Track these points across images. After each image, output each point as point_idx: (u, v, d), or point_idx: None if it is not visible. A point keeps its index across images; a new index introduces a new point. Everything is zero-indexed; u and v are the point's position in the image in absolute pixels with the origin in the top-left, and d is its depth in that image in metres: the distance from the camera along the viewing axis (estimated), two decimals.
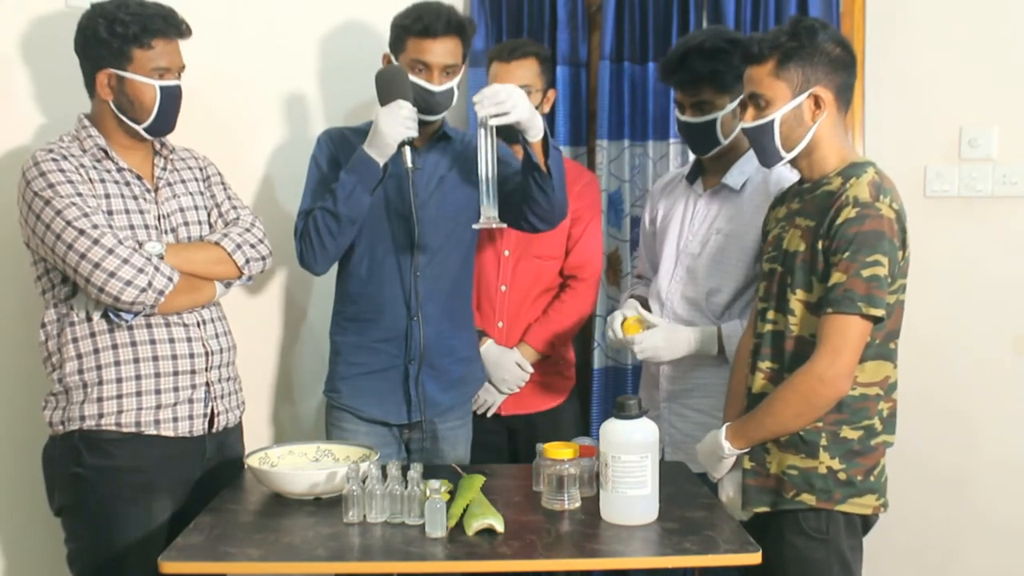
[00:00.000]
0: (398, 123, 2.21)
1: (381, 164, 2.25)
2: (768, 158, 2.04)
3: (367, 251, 2.40)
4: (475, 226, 2.22)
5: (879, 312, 1.86)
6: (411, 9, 2.35)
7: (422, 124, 2.30)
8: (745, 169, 2.34)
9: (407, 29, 2.31)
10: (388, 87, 2.26)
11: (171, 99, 2.11)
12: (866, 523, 2.00)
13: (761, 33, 2.09)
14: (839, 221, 1.88)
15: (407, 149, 2.24)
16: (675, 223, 2.44)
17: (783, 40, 1.95)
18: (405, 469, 1.90)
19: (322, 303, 2.77)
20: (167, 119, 2.13)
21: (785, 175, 2.26)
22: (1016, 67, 2.73)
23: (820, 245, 1.92)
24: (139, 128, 2.11)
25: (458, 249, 2.45)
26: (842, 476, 1.93)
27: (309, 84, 2.81)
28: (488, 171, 2.15)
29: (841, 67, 1.97)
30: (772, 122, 1.97)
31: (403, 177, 2.29)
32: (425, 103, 2.31)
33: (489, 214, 2.18)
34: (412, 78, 2.29)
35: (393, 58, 2.37)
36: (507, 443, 2.73)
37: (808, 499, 1.94)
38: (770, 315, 2.03)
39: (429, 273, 2.39)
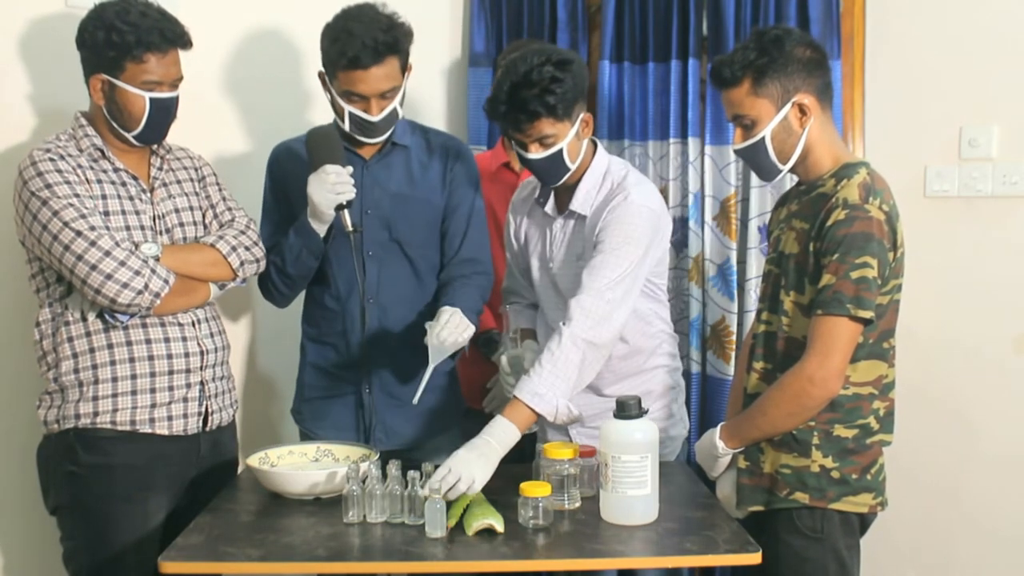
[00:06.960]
0: (326, 191, 2.16)
1: (322, 233, 2.23)
2: (767, 174, 2.05)
3: (325, 274, 2.34)
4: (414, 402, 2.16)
5: (867, 314, 1.86)
6: (337, 31, 2.17)
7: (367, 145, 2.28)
8: (589, 191, 2.22)
9: (333, 62, 2.18)
10: (315, 152, 2.20)
11: (162, 111, 2.09)
12: (863, 522, 2.00)
13: (725, 54, 2.02)
14: (829, 223, 1.88)
15: (345, 212, 2.20)
16: (536, 246, 2.34)
17: (753, 57, 1.94)
18: (405, 469, 1.90)
19: None
20: (157, 129, 2.11)
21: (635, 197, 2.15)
22: (1016, 67, 2.72)
23: (812, 247, 1.92)
24: (128, 136, 2.10)
25: (416, 274, 2.36)
26: (835, 475, 1.93)
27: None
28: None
29: (816, 68, 1.97)
30: (763, 140, 1.97)
31: (360, 195, 2.24)
32: (367, 131, 2.25)
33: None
34: (350, 108, 2.20)
35: (328, 79, 2.24)
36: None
37: (802, 497, 1.94)
38: (764, 316, 2.05)
39: (383, 299, 2.33)
